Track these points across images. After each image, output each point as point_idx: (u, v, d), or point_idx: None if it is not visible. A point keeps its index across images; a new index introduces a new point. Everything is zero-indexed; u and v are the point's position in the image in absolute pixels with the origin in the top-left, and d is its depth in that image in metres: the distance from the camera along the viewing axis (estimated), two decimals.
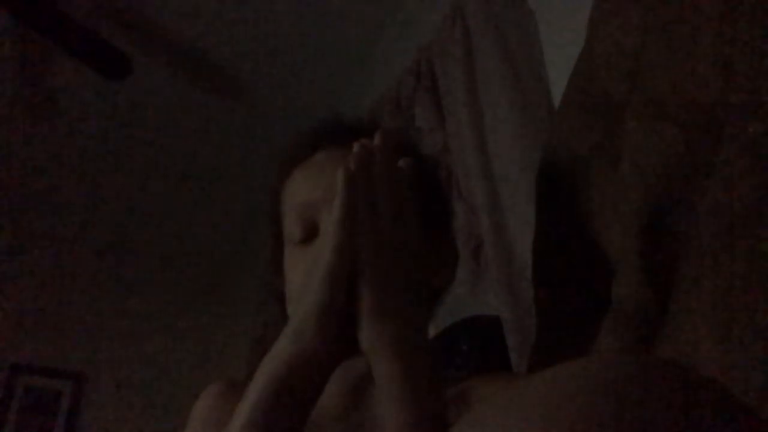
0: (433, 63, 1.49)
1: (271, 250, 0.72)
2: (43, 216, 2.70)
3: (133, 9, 1.81)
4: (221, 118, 2.24)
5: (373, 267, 0.48)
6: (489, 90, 1.26)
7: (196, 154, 2.41)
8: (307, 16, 1.85)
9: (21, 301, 2.86)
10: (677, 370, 0.29)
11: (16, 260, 2.83)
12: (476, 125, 1.28)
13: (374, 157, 0.53)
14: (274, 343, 0.48)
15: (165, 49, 1.93)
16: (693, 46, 0.55)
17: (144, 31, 1.87)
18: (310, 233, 0.62)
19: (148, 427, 2.79)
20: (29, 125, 2.19)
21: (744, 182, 0.48)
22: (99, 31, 1.72)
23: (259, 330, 2.28)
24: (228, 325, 2.98)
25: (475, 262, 1.26)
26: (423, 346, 0.47)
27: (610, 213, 0.64)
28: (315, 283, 0.48)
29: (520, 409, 0.28)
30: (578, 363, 0.31)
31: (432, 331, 0.67)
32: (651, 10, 0.62)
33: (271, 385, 0.45)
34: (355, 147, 0.52)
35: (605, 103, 0.67)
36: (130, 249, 2.93)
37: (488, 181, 1.23)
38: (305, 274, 0.51)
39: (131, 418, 2.80)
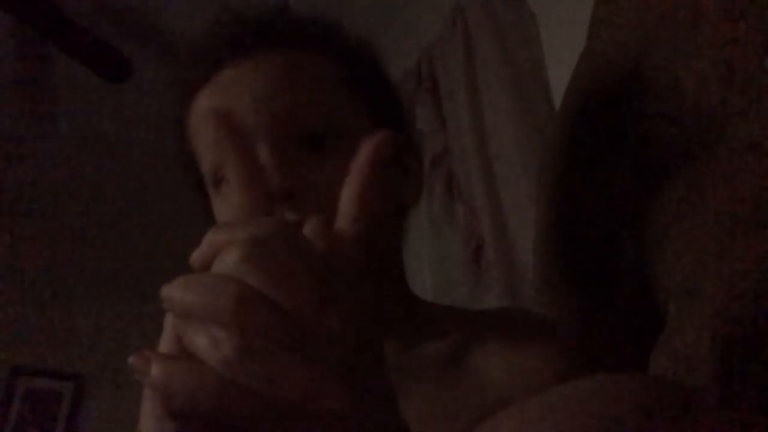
0: (434, 64, 1.49)
1: (201, 203, 0.59)
2: (43, 216, 2.69)
3: (133, 9, 1.81)
4: None
5: None
6: (489, 91, 1.26)
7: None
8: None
9: (21, 303, 2.86)
10: (673, 388, 0.29)
11: (16, 260, 2.83)
12: (477, 126, 1.28)
13: None
14: None
15: (165, 49, 1.93)
16: (693, 46, 0.54)
17: (144, 31, 1.86)
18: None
19: None
20: (29, 125, 2.19)
21: (744, 182, 0.48)
22: (99, 31, 1.72)
23: None
24: None
25: (475, 263, 1.26)
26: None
27: (612, 214, 0.64)
28: None
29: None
30: (581, 383, 0.32)
31: None
32: (651, 10, 0.61)
33: None
34: None
35: (606, 104, 0.66)
36: (130, 250, 2.93)
37: (489, 182, 1.23)
38: None
39: (132, 420, 2.80)
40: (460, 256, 1.30)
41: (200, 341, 0.27)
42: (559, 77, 1.11)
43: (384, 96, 0.60)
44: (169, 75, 2.04)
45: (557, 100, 1.07)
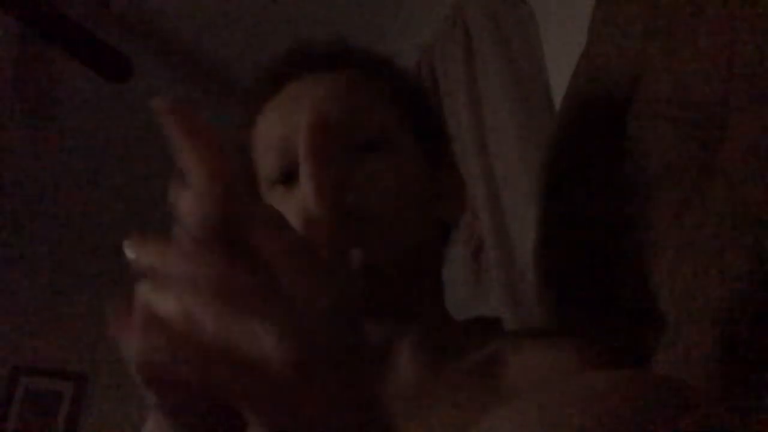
0: (433, 64, 1.48)
1: None
2: (43, 216, 2.69)
3: (133, 10, 1.81)
4: (221, 119, 2.24)
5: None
6: (489, 91, 1.26)
7: None
8: (308, 18, 1.85)
9: (21, 302, 2.86)
10: (674, 387, 0.29)
11: (16, 261, 2.83)
12: (477, 126, 1.28)
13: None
14: None
15: (165, 49, 1.93)
16: (693, 46, 0.54)
17: (144, 31, 1.86)
18: (291, 171, 0.55)
19: None
20: (29, 125, 2.19)
21: (744, 182, 0.48)
22: (99, 32, 1.72)
23: None
24: None
25: (476, 263, 1.26)
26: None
27: (612, 213, 0.64)
28: None
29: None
30: (587, 378, 0.32)
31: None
32: (651, 11, 0.61)
33: None
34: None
35: (606, 104, 0.66)
36: None
37: (489, 182, 1.23)
38: None
39: (132, 420, 2.80)
40: (460, 256, 1.30)
41: (170, 307, 0.28)
42: (559, 77, 1.11)
43: (427, 117, 0.66)
44: (169, 75, 2.04)
45: (557, 100, 1.07)
